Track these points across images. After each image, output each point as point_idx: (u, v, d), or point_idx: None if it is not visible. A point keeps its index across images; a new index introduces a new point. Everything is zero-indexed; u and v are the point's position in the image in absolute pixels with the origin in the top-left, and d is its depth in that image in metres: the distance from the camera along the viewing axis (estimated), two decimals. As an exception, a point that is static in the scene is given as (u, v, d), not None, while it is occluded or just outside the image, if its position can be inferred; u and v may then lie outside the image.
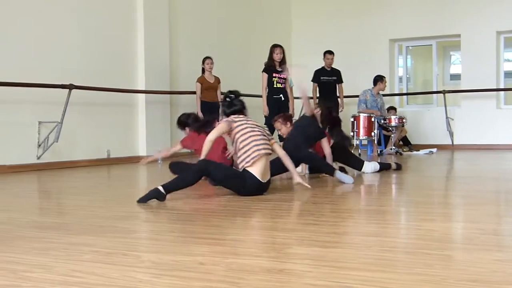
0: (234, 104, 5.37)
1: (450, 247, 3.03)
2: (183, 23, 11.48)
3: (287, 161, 5.40)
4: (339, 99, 11.47)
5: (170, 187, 4.80)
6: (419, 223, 3.71)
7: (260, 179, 5.03)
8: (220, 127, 5.17)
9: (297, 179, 5.37)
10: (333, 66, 11.42)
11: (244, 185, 5.03)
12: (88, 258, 2.78)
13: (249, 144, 5.06)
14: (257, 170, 5.02)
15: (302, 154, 6.28)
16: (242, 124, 5.16)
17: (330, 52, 11.34)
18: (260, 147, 5.06)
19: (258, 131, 5.20)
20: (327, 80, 11.34)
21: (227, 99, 5.40)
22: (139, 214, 4.43)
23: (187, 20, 11.59)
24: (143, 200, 4.72)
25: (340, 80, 11.45)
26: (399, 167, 7.50)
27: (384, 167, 7.38)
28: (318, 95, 11.35)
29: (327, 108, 6.98)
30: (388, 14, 14.00)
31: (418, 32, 13.83)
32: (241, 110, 5.38)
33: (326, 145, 6.80)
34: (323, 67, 11.43)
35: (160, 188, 4.75)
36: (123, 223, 3.84)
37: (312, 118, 6.78)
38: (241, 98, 5.45)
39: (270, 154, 5.20)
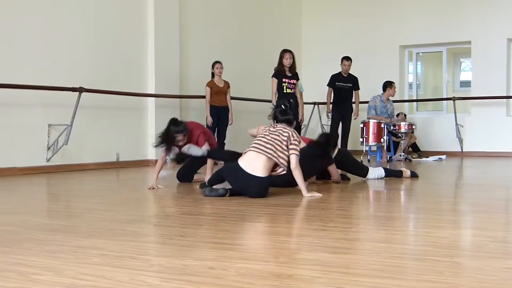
0: (287, 113, 5.67)
1: (459, 254, 3.02)
2: (193, 27, 11.50)
3: (297, 175, 5.36)
4: (354, 105, 11.43)
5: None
6: (429, 230, 3.70)
7: (244, 167, 5.17)
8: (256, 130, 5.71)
9: (305, 194, 5.35)
10: (350, 72, 11.38)
11: (229, 172, 5.34)
12: (97, 262, 2.79)
13: (253, 142, 5.41)
14: (242, 160, 5.26)
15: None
16: (264, 130, 5.48)
17: (347, 58, 11.29)
18: (256, 145, 5.30)
19: (269, 136, 5.33)
20: (342, 86, 11.28)
21: (283, 106, 5.75)
22: (148, 217, 4.44)
23: (197, 24, 11.61)
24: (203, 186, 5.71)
25: (356, 87, 11.38)
26: (414, 175, 7.23)
27: (394, 175, 7.24)
28: (332, 100, 11.34)
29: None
30: (399, 20, 13.99)
31: (429, 38, 13.81)
32: (291, 121, 5.65)
33: (333, 170, 6.62)
34: (340, 73, 11.39)
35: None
36: (132, 226, 3.84)
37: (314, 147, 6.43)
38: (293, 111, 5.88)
39: (265, 155, 5.22)
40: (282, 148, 5.29)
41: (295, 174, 5.34)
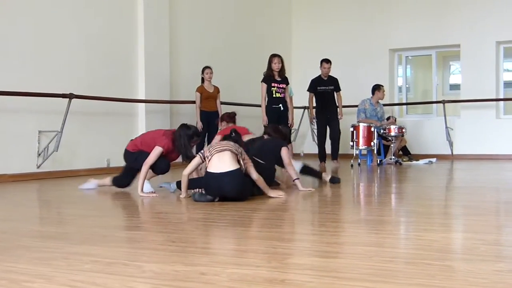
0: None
1: (451, 257, 3.02)
2: (183, 32, 11.51)
3: (259, 182, 5.57)
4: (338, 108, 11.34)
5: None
6: (420, 233, 3.71)
7: (212, 171, 5.28)
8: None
9: (270, 194, 5.61)
10: (330, 74, 11.05)
11: (205, 183, 5.42)
12: (88, 268, 2.78)
13: (209, 156, 5.43)
14: (209, 168, 5.35)
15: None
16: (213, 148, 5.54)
17: (327, 61, 10.95)
18: (216, 149, 5.39)
19: (221, 142, 5.64)
20: (325, 90, 10.95)
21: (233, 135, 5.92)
22: (139, 224, 4.44)
23: (187, 30, 11.62)
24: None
25: (338, 89, 11.04)
26: (333, 181, 7.01)
27: (312, 173, 7.09)
28: (314, 104, 11.16)
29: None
30: (388, 24, 14.05)
31: (418, 42, 13.87)
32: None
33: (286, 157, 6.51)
34: (319, 76, 11.05)
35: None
36: (123, 232, 3.84)
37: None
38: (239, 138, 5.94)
39: (227, 150, 5.35)
40: (236, 150, 5.45)
41: (258, 182, 5.56)
